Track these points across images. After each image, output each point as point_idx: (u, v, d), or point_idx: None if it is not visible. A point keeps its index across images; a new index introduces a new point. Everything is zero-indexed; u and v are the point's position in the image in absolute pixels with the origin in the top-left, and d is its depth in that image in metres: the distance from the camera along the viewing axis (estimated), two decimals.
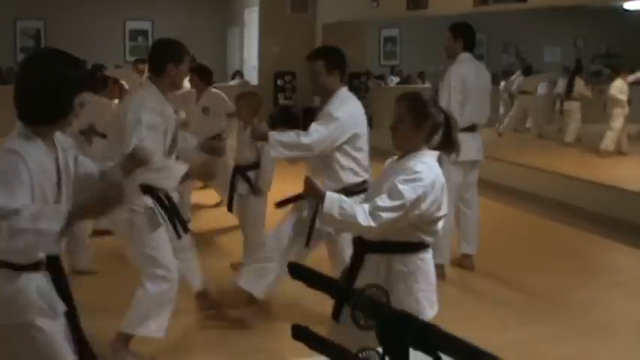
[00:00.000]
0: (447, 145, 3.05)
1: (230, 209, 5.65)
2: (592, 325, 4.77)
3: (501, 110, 16.09)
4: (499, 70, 17.39)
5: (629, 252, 6.66)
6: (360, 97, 17.97)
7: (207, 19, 18.02)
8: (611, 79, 13.47)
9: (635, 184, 8.37)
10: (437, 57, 5.84)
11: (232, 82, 16.92)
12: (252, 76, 16.89)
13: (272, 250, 4.43)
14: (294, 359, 2.88)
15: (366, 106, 16.67)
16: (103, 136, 5.92)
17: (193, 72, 6.85)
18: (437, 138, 3.03)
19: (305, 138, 4.08)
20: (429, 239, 3.03)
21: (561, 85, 15.22)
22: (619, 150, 12.50)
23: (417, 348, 1.27)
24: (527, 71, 15.79)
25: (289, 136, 4.16)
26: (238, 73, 17.24)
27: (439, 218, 2.98)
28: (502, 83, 16.32)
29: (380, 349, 1.33)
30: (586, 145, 13.28)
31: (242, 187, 5.47)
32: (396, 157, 3.11)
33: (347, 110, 4.17)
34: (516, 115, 15.38)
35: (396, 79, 18.79)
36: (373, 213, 2.81)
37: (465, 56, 5.67)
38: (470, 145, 5.68)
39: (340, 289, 1.39)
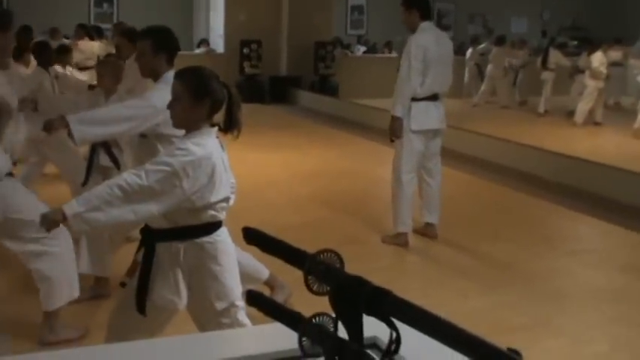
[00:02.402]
0: (229, 123, 2.86)
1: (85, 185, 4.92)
2: (551, 293, 4.85)
3: (466, 79, 16.10)
4: (466, 39, 17.35)
5: (589, 222, 6.76)
6: (326, 67, 17.80)
7: None
8: (579, 52, 13.72)
9: (598, 155, 8.50)
10: (404, 27, 5.80)
11: (198, 51, 16.73)
12: (218, 44, 16.70)
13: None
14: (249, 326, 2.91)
15: (332, 75, 16.55)
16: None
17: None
18: (219, 115, 2.83)
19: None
20: (220, 217, 2.86)
21: (525, 57, 15.36)
22: (594, 120, 12.69)
23: (369, 314, 1.26)
24: (500, 41, 15.66)
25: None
26: (204, 41, 17.03)
27: (216, 203, 2.79)
28: (469, 51, 16.28)
29: (334, 315, 1.32)
30: (559, 116, 13.47)
31: (104, 159, 5.00)
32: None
33: (163, 96, 3.60)
34: (488, 87, 15.40)
35: (362, 49, 18.74)
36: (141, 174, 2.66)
37: (425, 25, 5.64)
38: (431, 114, 5.69)
39: (300, 255, 1.37)
